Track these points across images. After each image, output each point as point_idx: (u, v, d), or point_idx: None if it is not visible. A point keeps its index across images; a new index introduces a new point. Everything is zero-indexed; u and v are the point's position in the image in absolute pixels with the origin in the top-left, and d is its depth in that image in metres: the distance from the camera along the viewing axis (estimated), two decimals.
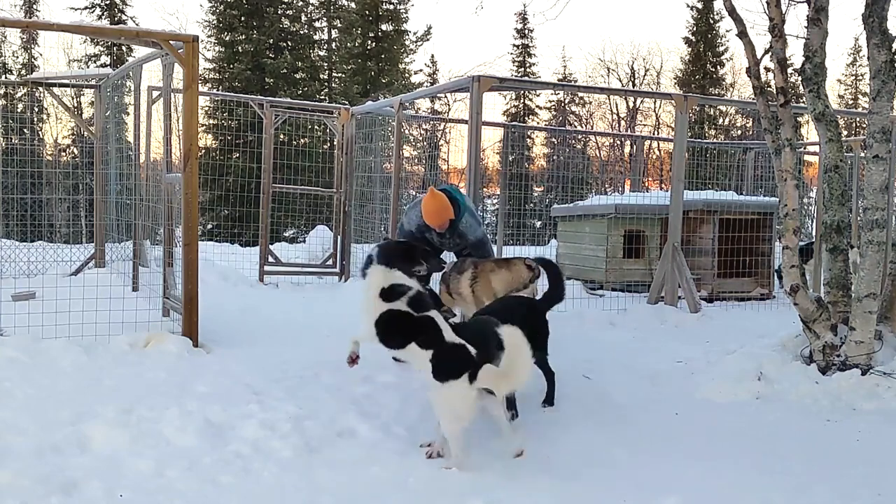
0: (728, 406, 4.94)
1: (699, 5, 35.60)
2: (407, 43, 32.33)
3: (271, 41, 28.50)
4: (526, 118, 36.03)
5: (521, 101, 36.64)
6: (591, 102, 37.32)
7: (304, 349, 6.04)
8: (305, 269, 10.94)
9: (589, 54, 69.91)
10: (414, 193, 14.25)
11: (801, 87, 5.93)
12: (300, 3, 29.88)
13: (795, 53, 35.53)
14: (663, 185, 20.25)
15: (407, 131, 14.99)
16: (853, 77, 38.68)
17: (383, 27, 31.38)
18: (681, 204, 8.50)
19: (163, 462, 3.62)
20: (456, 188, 6.32)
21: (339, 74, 31.42)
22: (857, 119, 19.64)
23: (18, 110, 21.39)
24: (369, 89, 28.92)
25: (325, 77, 30.95)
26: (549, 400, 4.79)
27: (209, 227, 21.49)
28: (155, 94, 7.75)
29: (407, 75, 32.19)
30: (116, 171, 8.66)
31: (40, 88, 9.98)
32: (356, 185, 10.86)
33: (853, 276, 5.69)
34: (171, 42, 5.94)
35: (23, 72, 28.49)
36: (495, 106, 41.61)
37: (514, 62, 37.14)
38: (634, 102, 37.22)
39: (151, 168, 8.70)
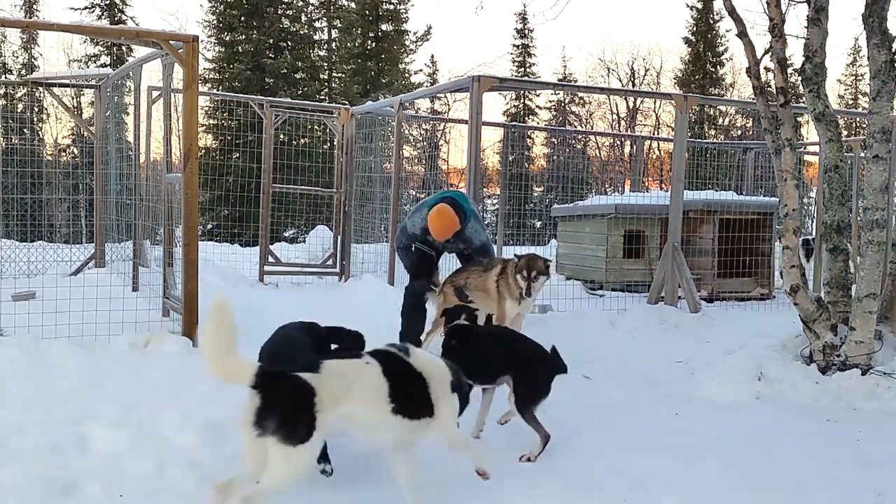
0: (728, 406, 4.94)
1: (699, 5, 35.64)
2: (407, 43, 32.35)
3: (271, 41, 28.52)
4: (526, 118, 36.05)
5: (521, 101, 36.65)
6: (591, 102, 37.37)
7: None
8: (305, 269, 10.94)
9: (589, 54, 69.99)
10: (413, 193, 14.25)
11: (801, 87, 5.93)
12: (300, 3, 29.90)
13: (795, 53, 35.53)
14: (663, 185, 20.25)
15: (407, 131, 14.99)
16: (853, 77, 38.72)
17: (383, 27, 31.41)
18: (681, 204, 8.50)
19: (163, 462, 3.62)
20: (461, 194, 6.33)
21: (339, 74, 31.44)
22: (857, 119, 19.63)
23: (18, 110, 21.38)
24: (369, 89, 28.93)
25: (325, 77, 30.97)
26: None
27: (209, 227, 21.49)
28: (155, 94, 7.75)
29: (407, 75, 32.21)
30: (116, 171, 8.65)
31: (40, 88, 9.98)
32: (356, 185, 10.86)
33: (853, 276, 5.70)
34: (171, 42, 5.94)
35: (23, 72, 28.50)
36: (495, 106, 41.73)
37: (514, 62, 37.16)
38: (634, 102, 37.24)
39: (151, 168, 8.70)
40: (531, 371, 4.01)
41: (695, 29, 36.03)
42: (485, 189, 15.37)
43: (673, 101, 8.93)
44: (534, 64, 37.55)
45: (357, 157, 10.83)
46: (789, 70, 5.72)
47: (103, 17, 29.43)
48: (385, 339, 5.59)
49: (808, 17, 5.60)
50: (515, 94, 36.26)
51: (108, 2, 29.64)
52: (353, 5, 31.28)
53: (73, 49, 29.13)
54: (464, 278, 5.89)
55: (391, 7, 31.26)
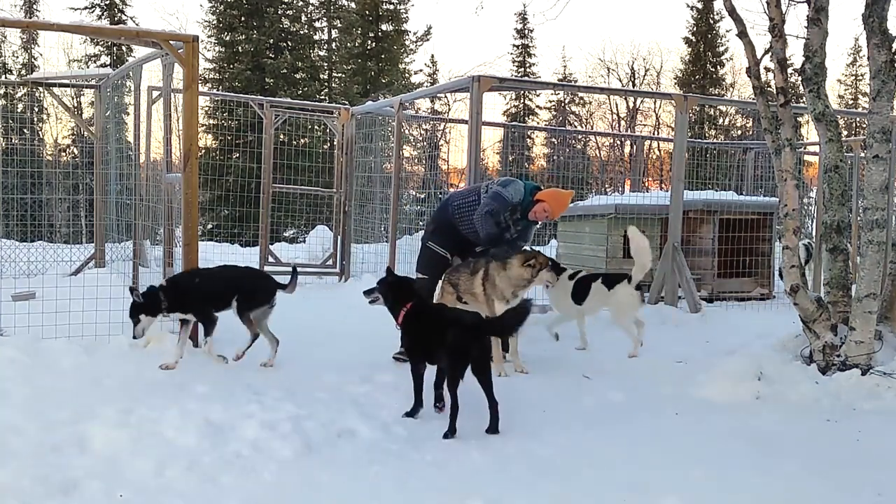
0: (728, 406, 4.93)
1: (699, 5, 35.62)
2: (407, 43, 32.34)
3: (271, 41, 28.50)
4: (526, 118, 36.06)
5: (521, 101, 36.66)
6: (591, 102, 37.35)
7: (303, 349, 6.04)
8: (305, 270, 10.93)
9: (589, 54, 70.02)
10: (413, 193, 14.24)
11: (801, 87, 5.94)
12: (300, 3, 29.88)
13: (795, 53, 35.53)
14: (663, 185, 20.24)
15: (407, 131, 14.98)
16: (853, 77, 38.70)
17: (383, 27, 31.39)
18: (681, 204, 8.50)
19: (163, 462, 3.62)
20: None
21: (339, 74, 31.43)
22: (857, 119, 19.63)
23: (18, 110, 21.37)
24: (369, 89, 28.93)
25: (325, 77, 30.96)
26: None
27: (209, 227, 21.47)
28: (155, 94, 7.76)
29: (407, 75, 32.19)
30: (116, 171, 8.66)
31: (40, 88, 9.99)
32: (356, 185, 10.86)
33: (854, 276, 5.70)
34: (171, 42, 5.94)
35: (23, 72, 28.48)
36: (495, 106, 41.73)
37: (514, 62, 37.18)
38: (634, 102, 37.22)
39: (151, 168, 8.70)
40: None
41: (695, 29, 36.01)
42: None
43: (673, 101, 8.93)
44: (534, 64, 37.59)
45: (357, 157, 10.83)
46: (789, 70, 5.72)
47: (103, 17, 29.41)
48: (385, 338, 5.62)
49: (808, 17, 5.61)
50: (515, 94, 36.26)
51: (108, 2, 29.62)
52: (353, 5, 31.26)
53: (73, 49, 29.12)
54: (457, 278, 5.90)
55: (391, 7, 31.24)
